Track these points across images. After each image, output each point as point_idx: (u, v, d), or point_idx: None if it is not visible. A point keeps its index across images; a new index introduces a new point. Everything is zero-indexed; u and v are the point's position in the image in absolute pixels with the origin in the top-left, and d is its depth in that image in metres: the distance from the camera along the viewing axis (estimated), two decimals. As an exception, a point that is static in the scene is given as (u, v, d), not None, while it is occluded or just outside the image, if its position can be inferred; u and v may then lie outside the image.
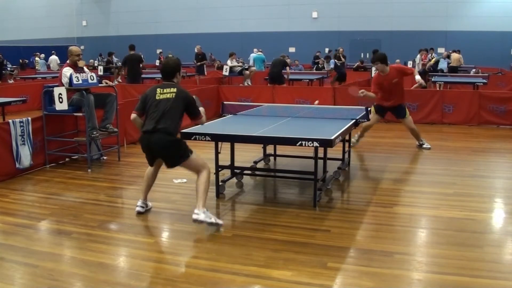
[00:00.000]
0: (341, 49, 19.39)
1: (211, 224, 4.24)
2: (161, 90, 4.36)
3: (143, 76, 16.48)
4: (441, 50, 19.90)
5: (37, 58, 22.59)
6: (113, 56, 19.58)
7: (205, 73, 16.90)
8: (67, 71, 6.46)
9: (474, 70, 18.04)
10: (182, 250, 4.04)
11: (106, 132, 6.72)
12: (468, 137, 8.86)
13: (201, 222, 4.21)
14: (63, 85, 6.38)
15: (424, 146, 7.62)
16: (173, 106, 4.27)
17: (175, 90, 4.34)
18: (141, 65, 14.33)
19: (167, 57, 4.76)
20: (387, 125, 9.30)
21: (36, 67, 21.99)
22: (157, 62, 24.13)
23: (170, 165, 4.41)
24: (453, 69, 17.13)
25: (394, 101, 7.33)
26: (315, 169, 4.93)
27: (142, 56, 14.60)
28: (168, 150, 4.28)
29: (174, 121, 4.28)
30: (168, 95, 4.30)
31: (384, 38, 22.66)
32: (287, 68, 14.18)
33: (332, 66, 18.16)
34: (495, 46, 21.67)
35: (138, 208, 4.72)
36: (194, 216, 4.20)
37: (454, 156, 7.36)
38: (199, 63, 16.66)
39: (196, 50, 17.62)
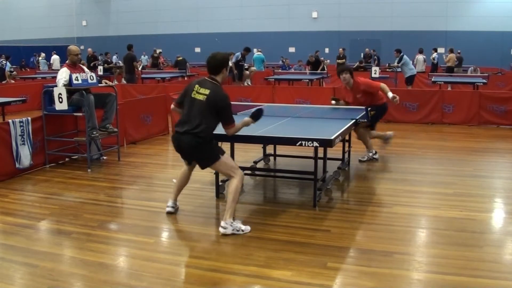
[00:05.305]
0: (341, 50, 19.41)
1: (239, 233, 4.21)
2: (199, 87, 4.23)
3: (143, 76, 16.48)
4: (441, 50, 19.90)
5: (39, 58, 22.62)
6: (110, 56, 19.61)
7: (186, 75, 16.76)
8: (60, 75, 6.40)
9: (471, 68, 18.03)
10: (182, 250, 4.04)
11: (106, 132, 6.72)
12: (468, 137, 8.85)
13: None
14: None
15: (375, 156, 6.91)
16: (204, 109, 4.16)
17: (208, 92, 4.17)
18: (134, 64, 14.62)
19: (213, 53, 4.38)
20: (387, 125, 9.29)
21: (40, 67, 22.03)
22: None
23: (201, 166, 4.42)
24: (449, 69, 17.17)
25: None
26: (315, 169, 4.93)
27: (135, 55, 14.79)
28: (196, 152, 4.25)
29: (205, 123, 4.17)
30: (201, 96, 4.18)
31: (384, 38, 22.66)
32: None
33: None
34: (495, 46, 21.66)
35: (168, 209, 4.74)
36: (221, 230, 4.17)
37: (454, 156, 7.36)
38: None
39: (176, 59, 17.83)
